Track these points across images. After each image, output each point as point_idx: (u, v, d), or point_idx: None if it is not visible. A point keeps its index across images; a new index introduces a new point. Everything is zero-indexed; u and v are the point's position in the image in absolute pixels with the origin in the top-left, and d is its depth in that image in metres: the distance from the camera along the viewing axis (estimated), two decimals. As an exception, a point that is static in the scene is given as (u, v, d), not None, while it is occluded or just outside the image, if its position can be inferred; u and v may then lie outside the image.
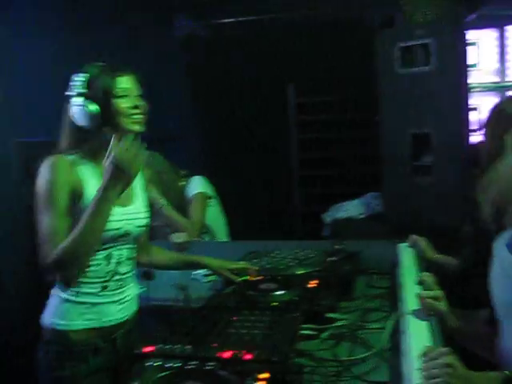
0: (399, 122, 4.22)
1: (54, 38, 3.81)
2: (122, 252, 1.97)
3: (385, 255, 2.77)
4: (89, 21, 4.11)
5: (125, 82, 1.90)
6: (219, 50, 5.60)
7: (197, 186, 3.42)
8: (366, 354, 1.70)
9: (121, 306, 1.98)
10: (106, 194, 1.78)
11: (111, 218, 1.85)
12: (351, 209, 4.70)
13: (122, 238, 1.94)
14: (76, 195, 1.85)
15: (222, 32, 5.64)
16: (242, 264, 2.36)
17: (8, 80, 3.39)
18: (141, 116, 1.92)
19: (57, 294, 1.92)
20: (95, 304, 1.91)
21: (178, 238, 2.97)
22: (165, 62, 5.16)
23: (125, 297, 1.99)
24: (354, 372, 1.62)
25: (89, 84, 1.87)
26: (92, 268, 1.88)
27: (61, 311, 1.90)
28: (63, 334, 1.88)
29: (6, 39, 3.34)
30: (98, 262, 1.89)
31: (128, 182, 1.83)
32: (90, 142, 1.92)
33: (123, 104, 1.88)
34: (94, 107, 1.85)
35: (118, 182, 1.79)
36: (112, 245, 1.92)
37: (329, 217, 4.74)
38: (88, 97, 1.85)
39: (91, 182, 1.89)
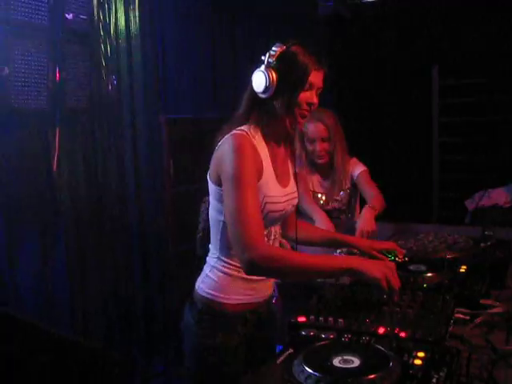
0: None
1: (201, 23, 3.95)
2: (277, 229, 1.99)
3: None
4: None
5: (317, 77, 1.85)
6: (361, 29, 5.53)
7: (357, 164, 3.41)
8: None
9: (272, 282, 2.03)
10: (338, 272, 1.76)
11: (279, 200, 1.88)
12: (496, 196, 4.49)
13: (282, 217, 1.97)
14: (258, 175, 1.83)
15: (364, 12, 5.55)
16: (389, 244, 2.28)
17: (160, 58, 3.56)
18: (308, 113, 1.88)
19: (216, 266, 1.94)
20: (254, 280, 1.92)
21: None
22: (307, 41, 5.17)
23: None
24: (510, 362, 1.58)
25: (282, 57, 1.82)
26: None
27: (220, 284, 1.92)
28: (219, 306, 1.92)
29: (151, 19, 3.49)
30: None
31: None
32: (261, 113, 1.88)
33: (305, 96, 1.84)
34: (273, 78, 1.80)
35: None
36: (272, 223, 1.94)
37: (472, 203, 4.56)
38: (275, 68, 1.81)
39: (265, 162, 1.87)
